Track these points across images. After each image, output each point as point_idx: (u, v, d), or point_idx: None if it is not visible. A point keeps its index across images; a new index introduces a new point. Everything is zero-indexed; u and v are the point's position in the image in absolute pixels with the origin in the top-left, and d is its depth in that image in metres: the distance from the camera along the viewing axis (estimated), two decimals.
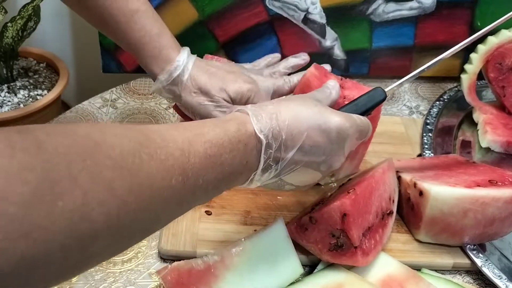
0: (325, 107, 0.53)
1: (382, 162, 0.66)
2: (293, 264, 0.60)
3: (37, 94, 1.22)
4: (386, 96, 0.58)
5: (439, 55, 0.93)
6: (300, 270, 0.60)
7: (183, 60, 0.64)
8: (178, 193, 0.39)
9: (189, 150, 0.41)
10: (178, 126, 0.43)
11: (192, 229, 0.64)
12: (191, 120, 0.75)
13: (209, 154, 0.42)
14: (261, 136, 0.47)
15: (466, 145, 0.82)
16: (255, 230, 0.64)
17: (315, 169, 0.53)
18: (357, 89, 0.65)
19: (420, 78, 0.97)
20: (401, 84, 0.62)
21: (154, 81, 0.66)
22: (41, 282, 0.31)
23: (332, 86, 0.59)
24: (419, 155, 0.79)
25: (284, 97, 0.64)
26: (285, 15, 0.89)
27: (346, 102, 0.59)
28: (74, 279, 0.60)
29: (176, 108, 0.76)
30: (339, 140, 0.52)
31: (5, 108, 1.18)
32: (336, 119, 0.51)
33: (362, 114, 0.57)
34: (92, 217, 0.31)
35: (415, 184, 0.63)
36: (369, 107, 0.58)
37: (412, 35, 0.91)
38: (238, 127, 0.46)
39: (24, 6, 1.13)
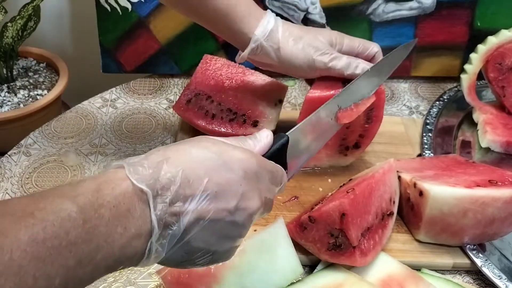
0: (228, 144, 0.43)
1: (383, 163, 0.66)
2: (293, 264, 0.60)
3: (37, 94, 1.22)
4: (288, 139, 0.51)
5: (439, 55, 0.94)
6: (300, 270, 0.60)
7: (273, 15, 0.65)
8: None
9: (1, 244, 0.30)
10: (7, 210, 0.33)
11: None
12: (192, 121, 0.75)
13: (42, 240, 0.32)
14: (143, 187, 0.37)
15: (466, 145, 0.82)
16: (255, 230, 0.64)
17: (230, 222, 0.41)
18: None
19: (420, 78, 0.97)
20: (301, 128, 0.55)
21: (242, 51, 0.65)
22: None
23: (263, 136, 0.49)
24: (419, 155, 0.79)
25: (176, 142, 0.47)
26: (284, 15, 0.89)
27: None
28: None
29: (176, 108, 0.76)
30: (249, 180, 0.42)
31: (5, 108, 1.18)
32: (240, 156, 0.42)
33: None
34: None
35: (415, 184, 0.63)
36: (274, 153, 0.50)
37: (412, 35, 0.91)
38: (98, 187, 0.36)
39: (24, 6, 1.13)
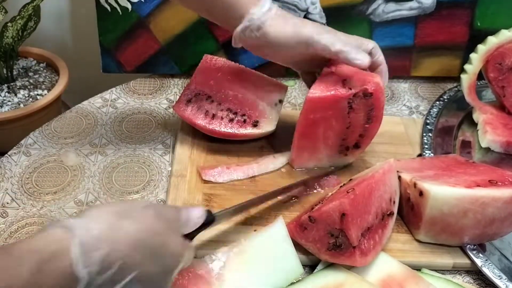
0: (171, 231, 0.48)
1: (383, 163, 0.66)
2: (293, 264, 0.60)
3: (37, 94, 1.22)
4: (214, 218, 0.56)
5: (439, 55, 0.94)
6: (300, 270, 0.60)
7: (270, 1, 0.65)
8: None
9: None
10: None
11: None
12: (192, 121, 0.75)
13: None
14: (83, 274, 0.39)
15: (466, 145, 0.82)
16: (255, 230, 0.64)
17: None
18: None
19: (420, 78, 0.97)
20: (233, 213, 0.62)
21: (234, 30, 0.66)
22: None
23: (196, 216, 0.53)
24: (419, 155, 0.79)
25: (126, 208, 0.50)
26: None
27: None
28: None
29: (176, 108, 0.76)
30: (171, 268, 0.48)
31: (5, 108, 1.18)
32: (178, 250, 0.48)
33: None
34: None
35: (415, 184, 0.63)
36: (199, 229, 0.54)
37: (412, 35, 0.91)
38: (40, 267, 0.38)
39: (24, 6, 1.13)
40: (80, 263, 0.39)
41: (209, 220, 0.54)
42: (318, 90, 0.66)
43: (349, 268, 0.60)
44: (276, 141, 0.78)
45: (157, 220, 0.47)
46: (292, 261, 0.60)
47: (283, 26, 0.64)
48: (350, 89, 0.66)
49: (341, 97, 0.66)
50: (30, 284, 0.36)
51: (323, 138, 0.71)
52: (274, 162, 0.75)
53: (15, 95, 1.21)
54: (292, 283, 0.59)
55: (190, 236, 0.52)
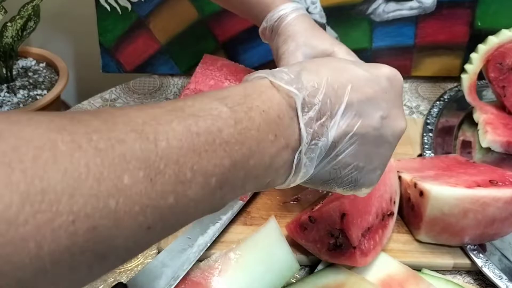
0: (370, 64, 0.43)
1: None
2: (288, 261, 0.60)
3: (37, 94, 1.22)
4: None
5: (439, 55, 0.94)
6: (296, 266, 0.60)
7: (295, 6, 0.66)
8: (144, 195, 0.26)
9: (155, 130, 0.28)
10: (155, 105, 0.31)
11: None
12: None
13: (196, 132, 0.30)
14: (292, 89, 0.35)
15: (466, 145, 0.81)
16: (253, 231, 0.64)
17: (377, 136, 0.40)
18: None
19: (420, 78, 0.97)
20: None
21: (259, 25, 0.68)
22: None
23: None
24: (420, 155, 0.78)
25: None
26: None
27: None
28: None
29: None
30: (394, 89, 0.41)
31: (5, 108, 1.18)
32: (384, 67, 0.42)
33: None
34: None
35: (415, 184, 0.63)
36: None
37: (412, 35, 0.91)
38: (246, 92, 0.34)
39: (23, 6, 1.13)
40: (284, 82, 0.35)
41: None
42: None
43: (350, 268, 0.60)
44: None
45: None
46: (287, 258, 0.60)
47: (296, 35, 0.63)
48: None
49: None
50: (240, 104, 0.33)
51: None
52: None
53: (15, 95, 1.21)
54: (292, 283, 0.59)
55: None
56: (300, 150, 0.35)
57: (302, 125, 0.35)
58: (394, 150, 0.43)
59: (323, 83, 0.36)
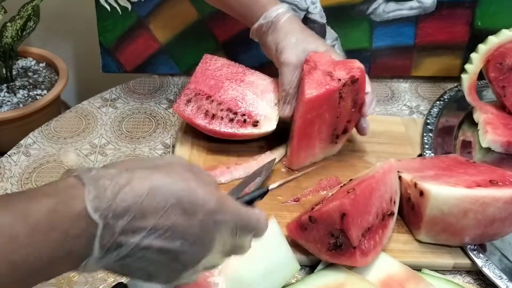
0: (199, 181, 0.40)
1: (383, 163, 0.66)
2: (289, 261, 0.60)
3: (37, 94, 1.22)
4: (268, 191, 0.54)
5: (439, 55, 0.94)
6: (296, 266, 0.60)
7: (286, 6, 0.74)
8: None
9: None
10: None
11: None
12: (192, 121, 0.75)
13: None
14: (96, 218, 0.35)
15: (466, 145, 0.81)
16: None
17: (172, 258, 0.40)
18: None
19: (420, 78, 0.97)
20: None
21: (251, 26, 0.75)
22: None
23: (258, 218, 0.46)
24: (420, 155, 0.78)
25: (152, 158, 0.49)
26: None
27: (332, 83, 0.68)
28: (74, 279, 0.60)
29: (176, 108, 0.76)
30: (206, 227, 0.40)
31: (5, 108, 1.18)
32: (207, 199, 0.40)
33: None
34: None
35: (415, 184, 0.63)
36: (253, 198, 0.53)
37: (412, 34, 0.91)
38: (55, 207, 0.35)
39: (23, 6, 1.13)
40: (91, 207, 0.36)
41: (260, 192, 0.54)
42: (313, 89, 0.68)
43: (350, 268, 0.60)
44: (276, 141, 0.77)
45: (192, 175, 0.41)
46: (288, 258, 0.60)
47: (290, 32, 0.72)
48: (340, 80, 0.68)
49: (334, 90, 0.68)
50: (44, 224, 0.34)
51: (318, 134, 0.72)
52: (271, 157, 0.75)
53: (15, 95, 1.21)
54: (293, 283, 0.59)
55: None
56: (87, 261, 0.37)
57: (96, 245, 0.36)
58: (193, 269, 0.42)
59: (136, 207, 0.37)
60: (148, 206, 0.37)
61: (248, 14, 0.74)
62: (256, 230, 0.46)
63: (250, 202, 0.52)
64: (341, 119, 0.72)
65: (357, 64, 0.70)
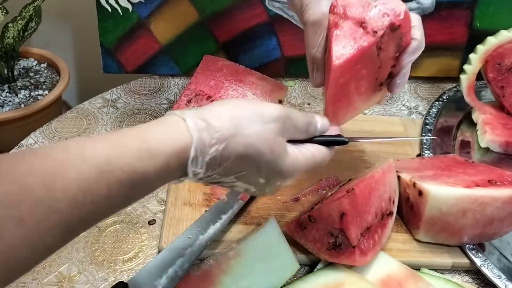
0: (277, 136, 0.47)
1: (382, 163, 0.66)
2: (288, 261, 0.60)
3: (38, 94, 1.22)
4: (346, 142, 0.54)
5: (438, 55, 0.94)
6: (296, 266, 0.60)
7: None
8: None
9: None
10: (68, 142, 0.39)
11: None
12: None
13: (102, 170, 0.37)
14: (193, 153, 0.42)
15: (465, 145, 0.82)
16: (253, 230, 0.65)
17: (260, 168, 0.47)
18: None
19: (419, 78, 0.97)
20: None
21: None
22: None
23: (316, 121, 0.52)
24: (418, 155, 0.79)
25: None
26: (285, 15, 0.89)
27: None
28: (75, 278, 0.60)
29: (176, 108, 0.77)
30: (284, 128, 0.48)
31: (6, 108, 1.18)
32: (273, 109, 0.47)
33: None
34: None
35: (414, 184, 0.63)
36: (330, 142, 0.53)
37: None
38: (148, 148, 0.41)
39: (25, 7, 1.13)
40: (189, 163, 0.42)
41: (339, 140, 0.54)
42: (343, 52, 0.54)
43: (349, 267, 0.60)
44: None
45: (276, 137, 0.47)
46: (287, 258, 0.60)
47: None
48: (375, 32, 0.55)
49: (369, 47, 0.55)
50: (136, 159, 0.39)
51: (355, 91, 0.60)
52: None
53: (16, 95, 1.21)
54: (292, 282, 0.59)
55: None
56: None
57: (189, 171, 0.43)
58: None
59: (222, 147, 0.43)
60: (231, 167, 0.45)
61: None
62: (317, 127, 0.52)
63: (326, 142, 0.53)
64: (384, 68, 0.59)
65: (397, 6, 0.55)
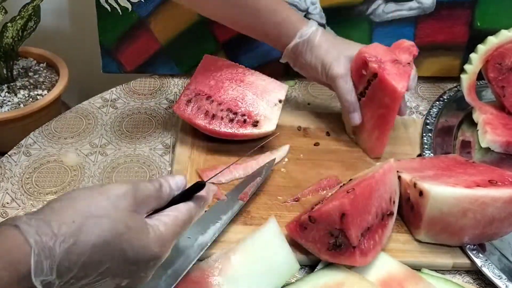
0: (137, 229, 0.44)
1: (383, 163, 0.66)
2: (288, 261, 0.60)
3: (37, 94, 1.22)
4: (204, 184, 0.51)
5: (439, 55, 0.94)
6: (296, 266, 0.60)
7: (316, 23, 0.76)
8: None
9: None
10: None
11: None
12: (192, 121, 0.75)
13: None
14: (38, 284, 0.38)
15: (466, 145, 0.82)
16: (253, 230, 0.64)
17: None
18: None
19: (420, 78, 0.96)
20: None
21: (279, 48, 0.78)
22: None
23: (167, 181, 0.49)
24: (419, 155, 0.79)
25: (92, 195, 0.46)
26: None
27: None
28: None
29: (176, 108, 0.76)
30: (149, 269, 0.46)
31: (5, 108, 1.18)
32: (149, 247, 0.44)
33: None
34: None
35: (415, 184, 0.63)
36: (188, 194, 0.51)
37: (412, 35, 0.91)
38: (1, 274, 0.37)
39: (24, 6, 1.13)
40: (33, 273, 0.38)
41: (199, 185, 0.50)
42: (400, 82, 0.70)
43: (349, 267, 0.60)
44: (276, 141, 0.78)
45: (130, 215, 0.44)
46: (287, 258, 0.60)
47: (329, 46, 0.75)
48: (409, 63, 0.73)
49: (410, 74, 0.72)
50: None
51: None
52: (271, 157, 0.75)
53: (15, 95, 1.21)
54: (292, 282, 0.59)
55: (181, 200, 0.49)
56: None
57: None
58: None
59: (77, 267, 0.40)
60: (90, 263, 0.41)
61: (282, 34, 0.76)
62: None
63: (187, 196, 0.50)
64: None
65: (409, 43, 0.76)
